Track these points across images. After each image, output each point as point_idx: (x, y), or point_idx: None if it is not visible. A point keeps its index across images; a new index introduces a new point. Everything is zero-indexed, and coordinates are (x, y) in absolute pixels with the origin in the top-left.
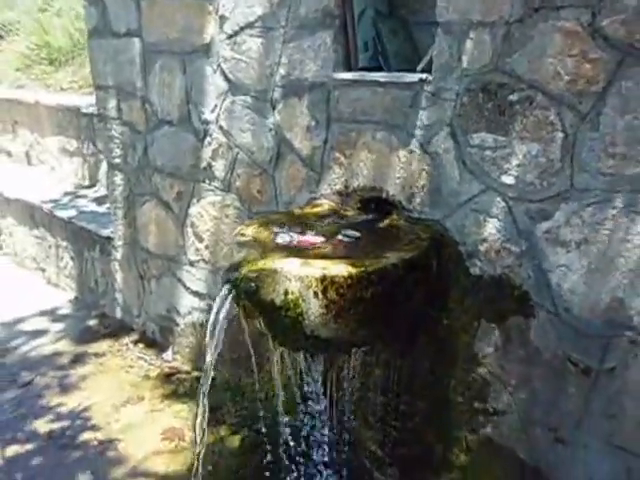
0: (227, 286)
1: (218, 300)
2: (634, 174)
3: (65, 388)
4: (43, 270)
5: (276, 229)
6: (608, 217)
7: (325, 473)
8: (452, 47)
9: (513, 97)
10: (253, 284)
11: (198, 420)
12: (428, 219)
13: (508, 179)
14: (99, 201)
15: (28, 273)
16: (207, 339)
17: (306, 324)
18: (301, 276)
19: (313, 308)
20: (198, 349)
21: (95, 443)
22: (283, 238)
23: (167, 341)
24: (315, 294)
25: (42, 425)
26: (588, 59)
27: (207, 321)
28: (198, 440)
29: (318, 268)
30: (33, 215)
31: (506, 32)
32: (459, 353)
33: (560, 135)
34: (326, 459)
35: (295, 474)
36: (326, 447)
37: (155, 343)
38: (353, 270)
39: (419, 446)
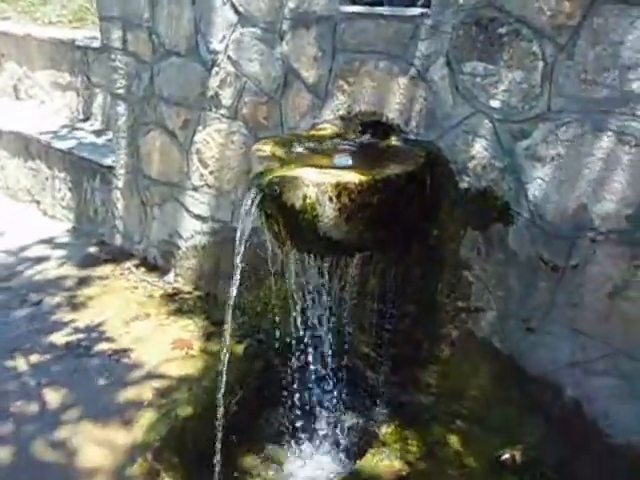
0: (254, 190)
1: (247, 203)
2: (601, 98)
3: (74, 306)
4: (38, 202)
5: (289, 146)
6: (578, 135)
7: (322, 374)
8: None
9: (502, 30)
10: (277, 188)
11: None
12: (423, 140)
13: (495, 103)
14: (97, 133)
15: (22, 206)
16: (236, 243)
17: (320, 226)
18: (318, 182)
19: (328, 211)
20: (200, 271)
21: (110, 352)
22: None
23: (168, 265)
24: (330, 199)
25: (58, 338)
26: None
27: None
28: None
29: (333, 176)
30: (28, 147)
31: None
32: (447, 259)
33: (541, 64)
34: (324, 362)
35: (295, 376)
36: (325, 351)
37: (156, 267)
38: (363, 178)
39: (408, 345)
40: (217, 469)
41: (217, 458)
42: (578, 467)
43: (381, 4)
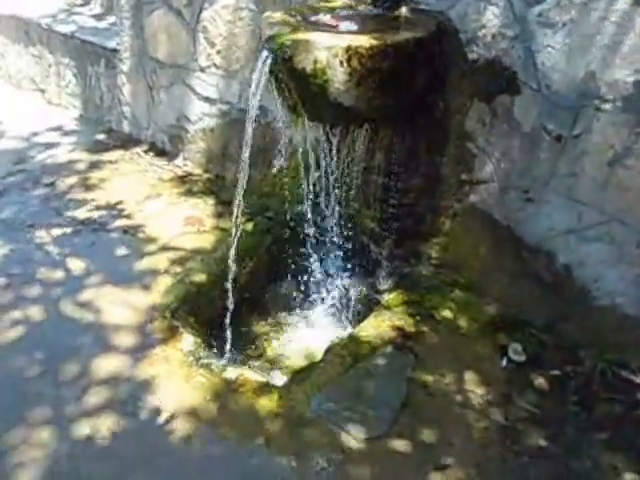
0: (265, 52)
1: (259, 65)
2: None
3: (88, 187)
4: (43, 91)
5: (300, 14)
6: None
7: (328, 247)
8: None
9: None
10: (289, 50)
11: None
12: (434, 10)
13: None
14: (98, 17)
15: (27, 95)
16: (247, 116)
17: (331, 91)
18: (329, 46)
19: (338, 75)
20: (209, 154)
21: (125, 228)
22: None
23: (177, 149)
24: (340, 63)
25: (74, 214)
26: None
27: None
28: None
29: (344, 39)
30: (28, 32)
31: None
32: (452, 132)
33: None
34: (331, 236)
35: (302, 249)
36: (331, 225)
37: (165, 152)
38: (374, 42)
39: (412, 219)
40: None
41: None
42: (565, 327)
43: None
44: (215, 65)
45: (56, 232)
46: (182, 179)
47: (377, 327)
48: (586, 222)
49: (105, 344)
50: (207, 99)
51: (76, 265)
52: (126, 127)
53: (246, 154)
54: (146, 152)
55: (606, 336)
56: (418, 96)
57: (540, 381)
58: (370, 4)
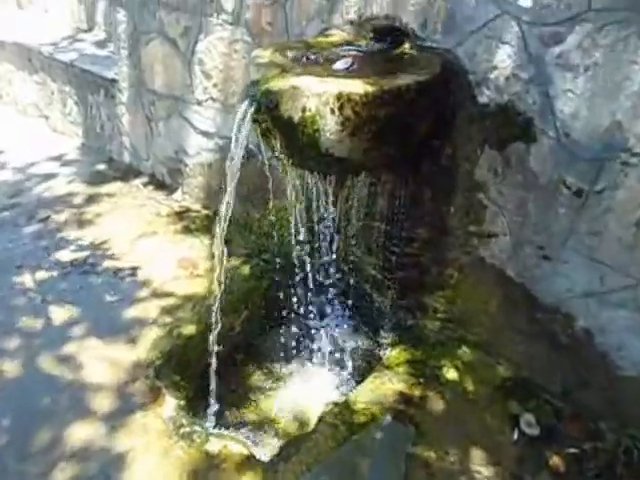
0: (248, 100)
1: (239, 115)
2: None
3: (82, 223)
4: (47, 117)
5: (292, 53)
6: (620, 39)
7: (329, 296)
8: None
9: None
10: (274, 98)
11: (217, 249)
12: (440, 48)
13: (525, 1)
14: (100, 44)
15: (32, 121)
16: (227, 163)
17: (322, 142)
18: (319, 92)
19: (329, 125)
20: (207, 189)
21: (116, 270)
22: (303, 59)
23: (176, 182)
24: (332, 111)
25: (64, 255)
26: None
27: (216, 160)
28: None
29: (335, 85)
30: (31, 59)
31: None
32: (460, 181)
33: None
34: (330, 283)
35: (300, 296)
36: (331, 272)
37: (164, 185)
38: (369, 88)
39: (416, 269)
40: (212, 386)
41: (212, 381)
42: (584, 396)
43: None
44: (212, 98)
45: (43, 275)
46: (180, 215)
47: (375, 390)
48: (609, 285)
49: (81, 408)
50: (205, 133)
51: (60, 313)
52: (127, 157)
53: (229, 201)
54: (145, 185)
55: (630, 409)
56: (422, 143)
57: (555, 460)
58: (371, 39)
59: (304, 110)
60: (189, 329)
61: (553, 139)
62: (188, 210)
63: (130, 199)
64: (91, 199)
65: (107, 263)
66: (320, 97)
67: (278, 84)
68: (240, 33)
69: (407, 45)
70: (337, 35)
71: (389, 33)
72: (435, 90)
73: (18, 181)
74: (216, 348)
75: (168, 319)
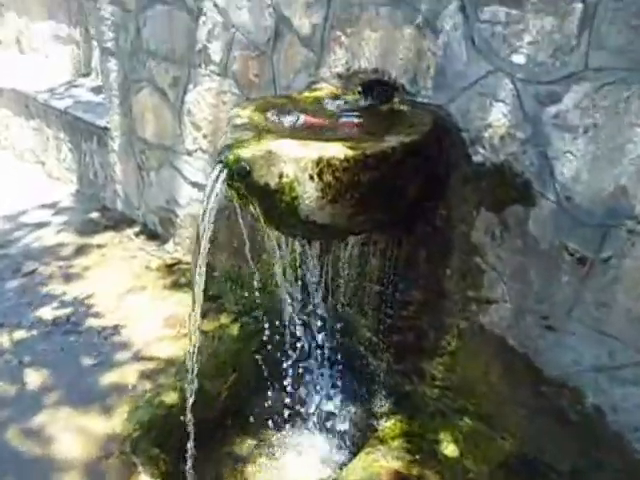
0: (218, 167)
1: (209, 183)
2: None
3: (68, 277)
4: (43, 163)
5: (274, 111)
6: (621, 100)
7: (321, 358)
8: None
9: None
10: (246, 166)
11: (193, 310)
12: (431, 104)
13: (518, 58)
14: (95, 90)
15: (28, 167)
16: (199, 225)
17: (301, 209)
18: (296, 158)
19: (309, 192)
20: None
21: (99, 329)
22: (284, 118)
23: (168, 233)
24: (311, 177)
25: (46, 312)
26: None
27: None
28: (192, 329)
29: (314, 149)
30: (28, 105)
31: None
32: (456, 243)
33: (579, 6)
34: (322, 344)
35: (292, 358)
36: (322, 333)
37: (156, 235)
38: (350, 152)
39: (412, 333)
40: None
41: (189, 462)
42: (596, 477)
43: None
44: (202, 149)
45: (23, 335)
46: (170, 268)
47: (368, 468)
48: (620, 360)
49: None
50: (195, 184)
51: (35, 378)
52: (119, 205)
53: (202, 266)
54: (137, 234)
55: None
56: (413, 204)
57: None
58: (359, 93)
59: (281, 176)
60: (171, 397)
61: (553, 202)
62: (179, 262)
63: (120, 250)
64: (81, 250)
65: (91, 321)
66: (298, 162)
67: (251, 150)
68: (228, 84)
69: (397, 100)
70: (324, 89)
71: (378, 87)
72: (425, 150)
73: (8, 230)
74: (192, 418)
75: (149, 385)
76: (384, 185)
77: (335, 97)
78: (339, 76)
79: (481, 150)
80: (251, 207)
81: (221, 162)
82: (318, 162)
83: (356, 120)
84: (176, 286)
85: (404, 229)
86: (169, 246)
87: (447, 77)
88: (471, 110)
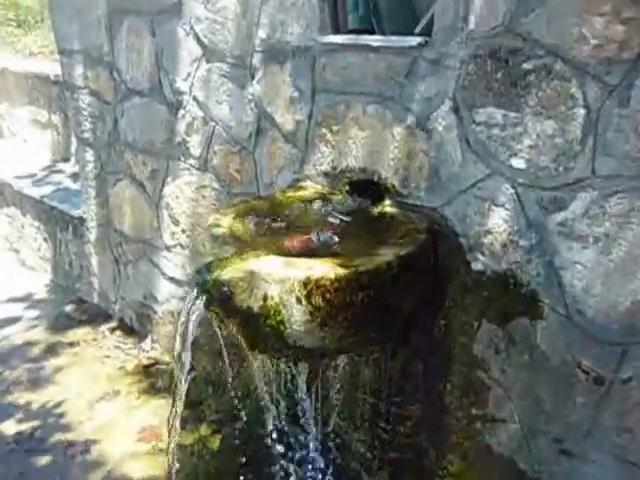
0: (196, 291)
1: (187, 305)
2: None
3: (36, 383)
4: (17, 251)
5: (256, 220)
6: (635, 209)
7: (311, 474)
8: (458, 4)
9: (527, 65)
10: (226, 289)
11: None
12: (425, 206)
13: (518, 162)
14: (74, 177)
15: (2, 255)
16: (177, 348)
17: (288, 333)
18: (282, 279)
19: (296, 315)
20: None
21: (66, 445)
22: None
23: (145, 329)
24: (298, 299)
25: (9, 426)
26: (621, 19)
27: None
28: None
29: (301, 269)
30: (3, 192)
31: None
32: (456, 355)
33: (582, 111)
34: (312, 460)
35: (280, 474)
36: (312, 448)
37: (133, 331)
38: (341, 271)
39: (411, 450)
40: None
41: None
42: None
43: (371, 32)
44: (181, 245)
45: None
46: (147, 369)
47: None
48: None
49: None
50: (174, 280)
51: None
52: (95, 298)
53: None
54: (113, 330)
55: None
56: (409, 317)
57: None
58: (347, 192)
59: (265, 299)
60: None
61: (563, 316)
62: (156, 363)
63: (94, 349)
64: (51, 350)
65: (58, 436)
66: (283, 284)
67: (231, 271)
68: (208, 179)
69: (388, 202)
70: (310, 188)
71: (367, 187)
72: (421, 260)
73: None
74: None
75: None
76: (378, 303)
77: (321, 197)
78: (325, 174)
79: (481, 257)
80: (231, 329)
81: (199, 285)
82: (306, 283)
83: (344, 219)
84: (153, 390)
85: (399, 340)
86: (146, 344)
87: (441, 179)
88: (469, 215)
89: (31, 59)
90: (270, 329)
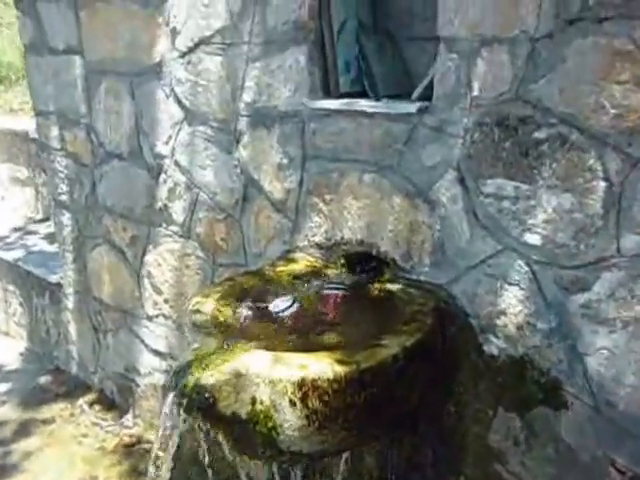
0: (176, 394)
1: (166, 412)
2: None
3: (3, 470)
4: None
5: (243, 305)
6: None
7: None
8: (459, 69)
9: (539, 134)
10: (208, 395)
11: None
12: (429, 282)
13: (533, 238)
14: (50, 239)
15: None
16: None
17: (281, 439)
18: (273, 380)
19: (290, 420)
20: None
21: None
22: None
23: (127, 403)
24: (292, 403)
25: None
26: None
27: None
28: None
29: (295, 367)
30: None
31: (530, 51)
32: (470, 445)
33: (602, 184)
34: None
35: None
36: None
37: (114, 404)
38: (340, 370)
39: None
40: None
41: None
42: None
43: (364, 95)
44: (164, 315)
45: None
46: (128, 449)
47: None
48: None
49: None
50: (157, 352)
51: None
52: (73, 368)
53: None
54: (92, 404)
55: None
56: (416, 406)
57: None
58: (343, 266)
59: (254, 403)
60: None
61: (590, 407)
62: (139, 441)
63: (71, 427)
64: (23, 429)
65: None
66: (274, 385)
67: (215, 372)
68: (192, 247)
69: (388, 277)
70: (302, 261)
71: (365, 261)
72: (429, 348)
73: None
74: None
75: None
76: (382, 400)
77: (315, 272)
78: (318, 246)
79: (495, 340)
80: (216, 435)
81: (179, 389)
82: (300, 385)
83: (340, 294)
84: (134, 474)
85: (405, 429)
86: (128, 419)
87: (447, 254)
88: (479, 294)
89: (11, 115)
90: (260, 436)
